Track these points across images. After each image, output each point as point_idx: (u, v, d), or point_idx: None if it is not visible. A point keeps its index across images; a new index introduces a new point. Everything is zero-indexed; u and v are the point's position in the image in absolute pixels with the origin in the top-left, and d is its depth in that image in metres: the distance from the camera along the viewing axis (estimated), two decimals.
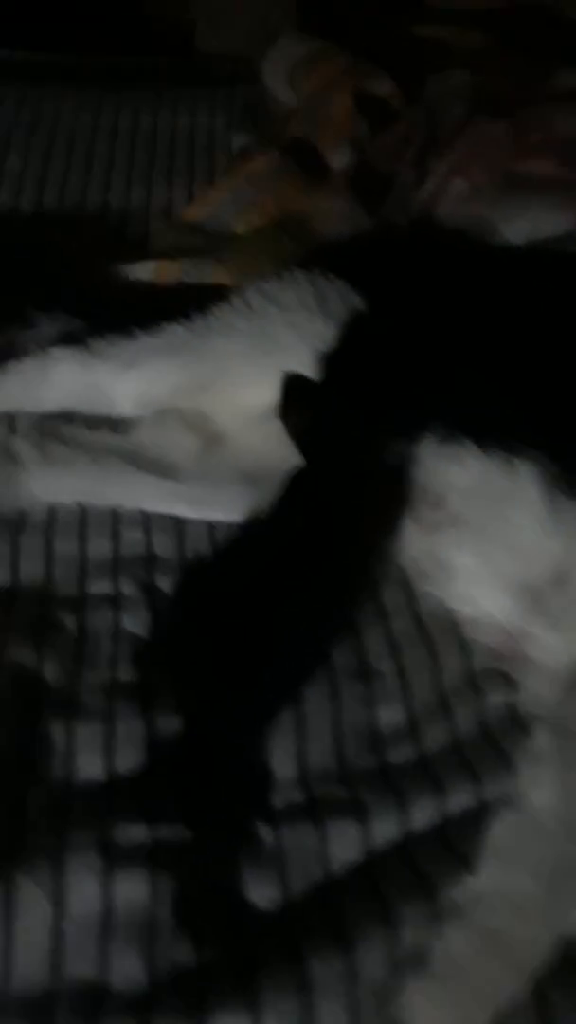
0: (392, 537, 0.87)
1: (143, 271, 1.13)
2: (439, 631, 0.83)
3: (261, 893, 0.64)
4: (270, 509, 0.84)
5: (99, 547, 0.89)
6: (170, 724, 0.73)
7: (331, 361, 0.91)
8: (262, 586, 0.78)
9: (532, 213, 1.18)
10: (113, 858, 0.64)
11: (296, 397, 0.90)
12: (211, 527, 0.92)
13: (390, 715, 0.76)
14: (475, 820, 0.68)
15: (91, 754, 0.71)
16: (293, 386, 0.90)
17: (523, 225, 1.18)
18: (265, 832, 0.67)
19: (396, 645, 0.82)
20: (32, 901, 0.61)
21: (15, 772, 0.69)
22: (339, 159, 1.27)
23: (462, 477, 0.83)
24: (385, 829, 0.67)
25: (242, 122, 1.47)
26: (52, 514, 0.92)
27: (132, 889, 0.62)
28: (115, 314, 1.02)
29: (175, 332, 0.96)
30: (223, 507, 0.91)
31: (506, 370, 0.88)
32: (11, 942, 0.59)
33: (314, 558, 0.81)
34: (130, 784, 0.69)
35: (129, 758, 0.71)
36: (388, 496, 0.87)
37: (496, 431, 0.83)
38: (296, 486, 0.86)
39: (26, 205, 1.32)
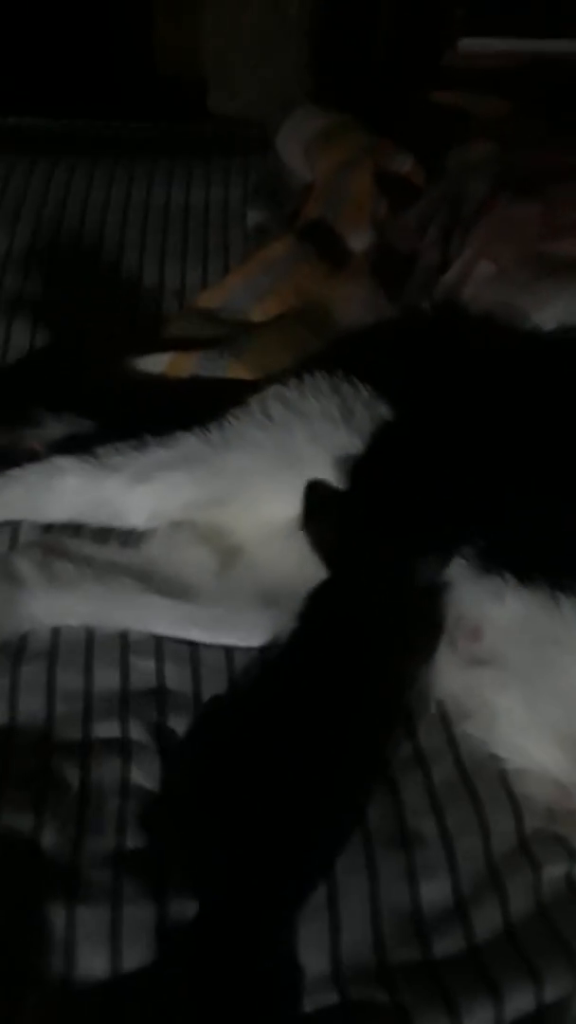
0: (425, 666, 0.79)
1: (156, 364, 1.07)
2: (485, 782, 0.75)
3: None
4: (291, 634, 0.77)
5: (106, 679, 0.81)
6: (184, 908, 0.64)
7: (357, 475, 0.84)
8: (285, 730, 0.71)
9: (565, 298, 1.12)
10: None
11: (319, 505, 0.84)
12: (228, 654, 0.84)
13: (435, 892, 0.67)
14: None
15: (94, 945, 0.63)
16: (316, 493, 0.84)
17: (556, 310, 1.11)
18: None
19: (438, 801, 0.74)
20: None
21: (8, 967, 0.61)
22: (359, 241, 1.22)
23: (501, 613, 0.76)
24: None
25: (256, 195, 1.42)
26: (55, 639, 0.84)
27: None
28: (126, 414, 0.95)
29: (190, 443, 0.89)
30: (242, 631, 0.84)
31: (550, 487, 0.81)
32: None
33: (342, 691, 0.73)
34: (137, 985, 0.61)
35: (137, 951, 0.62)
36: (420, 619, 0.80)
37: (539, 560, 0.76)
38: (318, 606, 0.78)
39: (31, 286, 1.27)
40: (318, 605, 0.78)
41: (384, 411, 0.87)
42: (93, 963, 0.62)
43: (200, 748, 0.74)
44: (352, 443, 0.85)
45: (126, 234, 1.39)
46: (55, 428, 0.96)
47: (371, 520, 0.83)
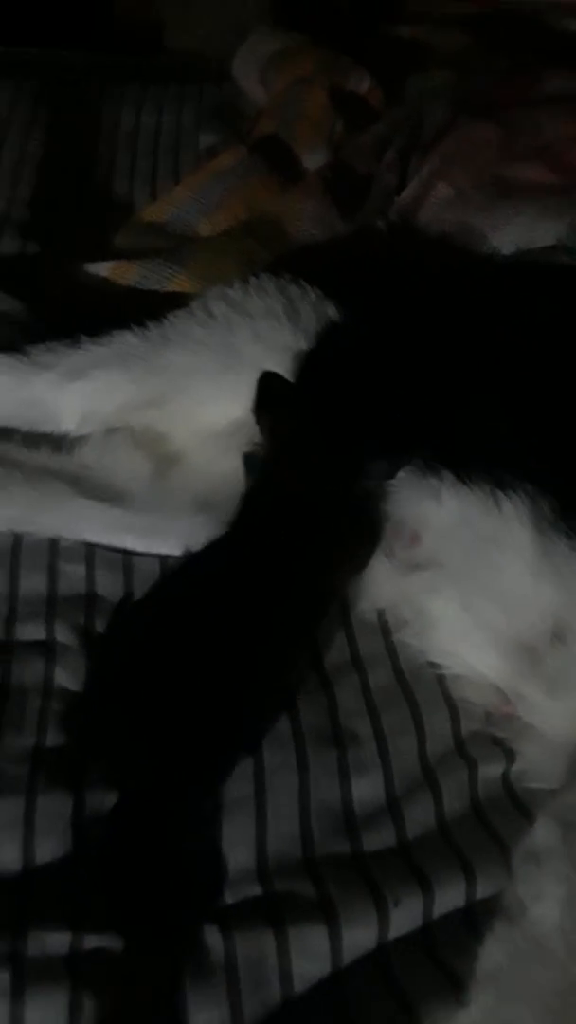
0: (359, 570, 0.76)
1: (98, 269, 1.02)
2: (422, 686, 0.72)
3: (207, 1017, 0.52)
4: (225, 529, 0.73)
5: (32, 583, 0.77)
6: (101, 800, 0.61)
7: (300, 377, 0.81)
8: (210, 625, 0.67)
9: (522, 220, 1.09)
10: (25, 974, 0.52)
11: (272, 396, 0.79)
12: (163, 562, 0.80)
13: (367, 790, 0.65)
14: (465, 925, 0.57)
15: (6, 836, 0.59)
16: (269, 385, 0.79)
17: (513, 233, 1.08)
18: (213, 939, 0.55)
19: (373, 703, 0.71)
20: None
21: None
22: (314, 159, 1.18)
23: (438, 514, 0.73)
24: (358, 936, 0.56)
25: (211, 121, 1.37)
26: None
27: (47, 1015, 0.50)
28: (62, 308, 0.91)
29: (126, 341, 0.84)
30: (177, 539, 0.80)
31: (491, 391, 0.79)
32: None
33: (271, 579, 0.70)
34: (50, 877, 0.57)
35: (51, 844, 0.59)
36: (355, 524, 0.77)
37: (478, 459, 0.74)
38: (251, 508, 0.75)
39: None
40: (249, 508, 0.75)
41: (332, 313, 0.84)
42: (4, 856, 0.58)
43: (120, 643, 0.70)
44: (297, 343, 0.82)
45: (74, 154, 1.33)
46: None
47: (317, 420, 0.79)
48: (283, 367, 0.81)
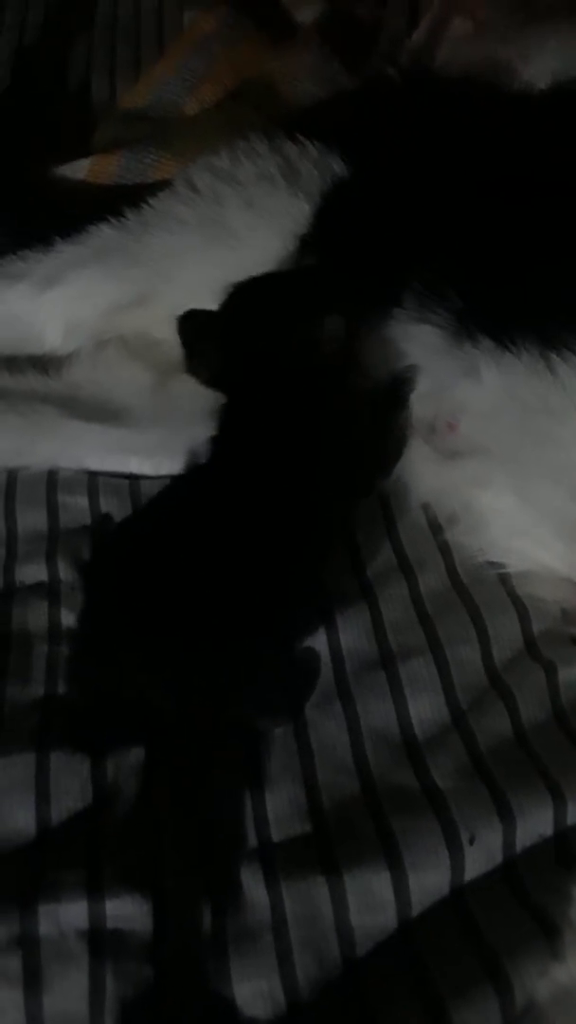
0: (378, 473, 0.66)
1: (76, 170, 0.91)
2: (482, 589, 0.62)
3: (253, 988, 0.45)
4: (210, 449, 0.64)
5: (31, 521, 0.69)
6: (123, 757, 0.53)
7: (312, 245, 0.69)
8: (223, 534, 0.58)
9: (556, 45, 0.93)
10: (39, 956, 0.45)
11: (199, 334, 0.68)
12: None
13: (425, 708, 0.55)
14: (556, 858, 0.47)
15: (19, 798, 0.52)
16: (192, 323, 0.67)
17: (547, 61, 0.92)
18: (257, 893, 0.47)
19: (425, 612, 0.61)
20: None
21: None
22: (308, 11, 1.02)
23: (477, 392, 0.62)
24: (428, 880, 0.47)
25: None
26: None
27: (67, 1002, 0.43)
28: (33, 222, 0.80)
29: (102, 234, 0.74)
30: (187, 455, 0.70)
31: (533, 240, 0.65)
32: None
33: (281, 489, 0.60)
34: (66, 840, 0.50)
35: (67, 802, 0.52)
36: (374, 409, 0.66)
37: (523, 318, 0.61)
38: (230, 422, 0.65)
39: None
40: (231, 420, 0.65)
41: (338, 168, 0.71)
42: (17, 818, 0.51)
43: (126, 557, 0.61)
44: (297, 206, 0.70)
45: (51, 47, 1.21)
46: None
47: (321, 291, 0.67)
48: (281, 234, 0.69)
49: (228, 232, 0.70)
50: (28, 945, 0.45)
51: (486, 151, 0.75)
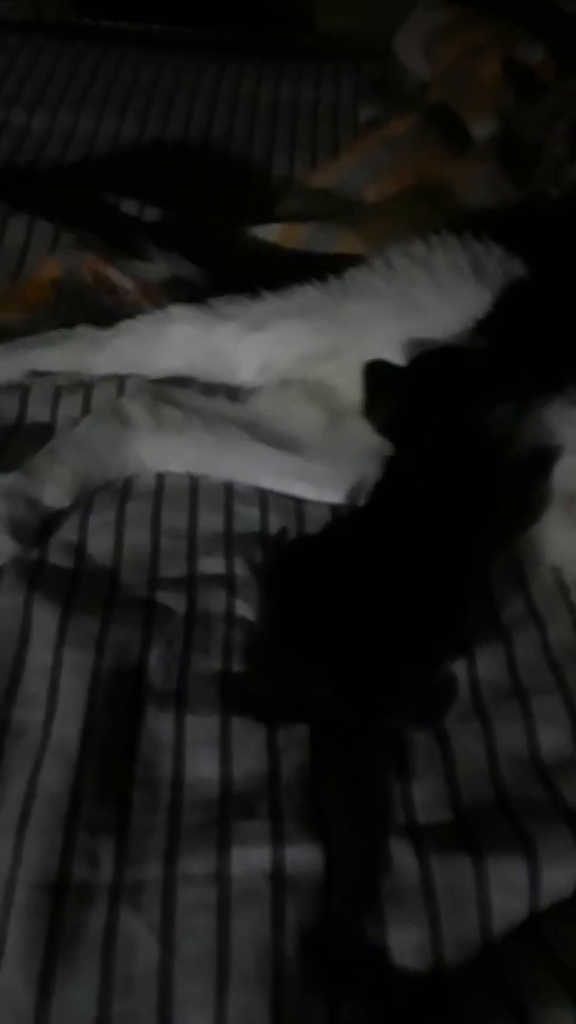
0: (517, 531, 0.75)
1: (267, 233, 1.04)
2: None
3: (407, 938, 0.52)
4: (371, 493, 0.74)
5: (210, 521, 0.79)
6: (292, 731, 0.62)
7: (487, 329, 0.80)
8: (386, 568, 0.68)
9: None
10: (229, 890, 0.53)
11: (382, 386, 0.78)
12: (333, 511, 0.81)
13: (555, 739, 0.63)
14: None
15: (205, 752, 0.61)
16: (377, 374, 0.78)
17: None
18: (408, 861, 0.55)
19: (554, 658, 0.70)
20: (138, 939, 0.51)
21: (119, 768, 0.59)
22: (483, 129, 1.17)
23: None
24: (558, 877, 0.55)
25: (370, 95, 1.37)
26: (160, 484, 0.82)
27: (253, 927, 0.51)
28: (236, 270, 0.93)
29: (307, 293, 0.86)
30: (347, 489, 0.81)
31: None
32: (110, 984, 0.49)
33: (437, 535, 0.70)
34: (248, 794, 0.58)
35: (247, 762, 0.60)
36: (519, 483, 0.75)
37: None
38: (396, 470, 0.75)
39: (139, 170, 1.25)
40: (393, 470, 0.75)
41: (519, 269, 0.83)
42: (202, 769, 0.60)
43: (299, 573, 0.71)
44: (482, 297, 0.81)
45: (235, 128, 1.37)
46: (161, 265, 0.94)
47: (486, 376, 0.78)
48: (463, 318, 0.81)
49: (417, 309, 0.81)
50: (222, 880, 0.53)
51: None
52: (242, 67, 1.48)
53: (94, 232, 1.03)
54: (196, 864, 0.53)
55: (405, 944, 0.52)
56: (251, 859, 0.54)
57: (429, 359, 0.78)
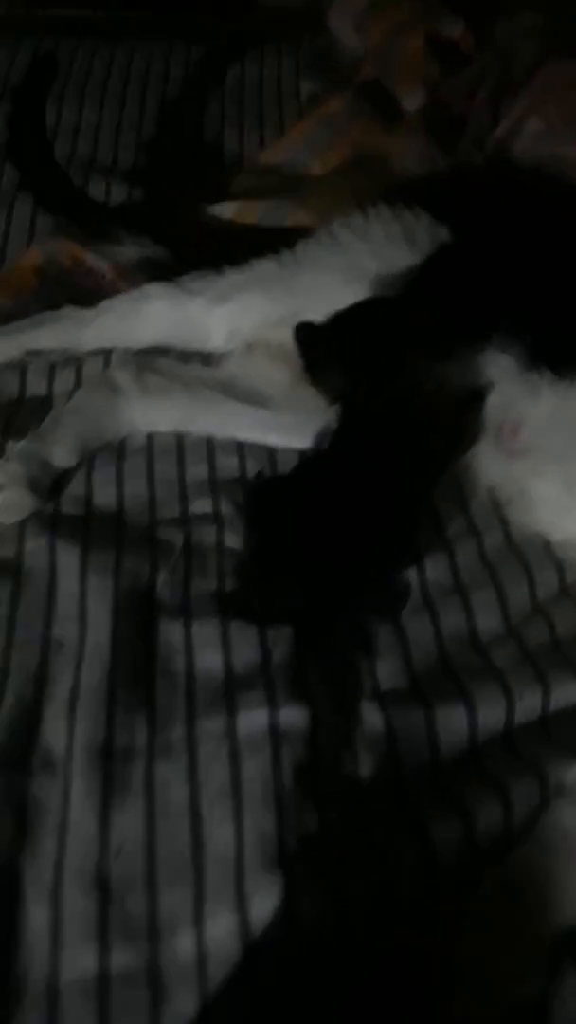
0: (454, 459, 0.90)
1: (224, 210, 1.16)
2: (532, 549, 0.86)
3: (375, 772, 0.68)
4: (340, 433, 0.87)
5: (197, 470, 0.93)
6: (280, 633, 0.77)
7: (414, 287, 0.93)
8: (348, 496, 0.83)
9: None
10: (237, 743, 0.68)
11: (313, 344, 0.89)
12: (301, 455, 0.95)
13: (490, 622, 0.79)
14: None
15: (210, 650, 0.75)
16: (305, 335, 0.89)
17: None
18: (375, 716, 0.71)
19: (489, 561, 0.85)
20: (171, 782, 0.66)
21: (143, 665, 0.74)
22: (412, 101, 1.28)
23: (538, 408, 0.86)
24: (491, 715, 0.71)
25: (309, 68, 1.48)
26: (151, 442, 0.96)
27: (257, 766, 0.67)
28: (200, 246, 1.05)
29: (264, 266, 0.99)
30: (312, 435, 0.94)
31: None
32: (153, 821, 0.64)
33: (393, 468, 0.84)
34: (248, 677, 0.73)
35: (246, 653, 0.75)
36: (457, 416, 0.90)
37: (572, 357, 0.86)
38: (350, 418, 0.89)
39: (103, 153, 1.35)
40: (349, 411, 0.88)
41: (445, 235, 0.96)
42: (209, 663, 0.74)
43: (277, 505, 0.85)
44: (414, 261, 0.94)
45: (185, 109, 1.46)
46: (132, 249, 1.06)
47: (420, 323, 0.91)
48: (398, 283, 0.94)
49: (363, 276, 0.95)
50: (232, 736, 0.68)
51: (554, 229, 1.00)
52: (188, 49, 1.58)
53: (67, 218, 1.15)
54: (211, 724, 0.69)
55: (375, 776, 0.68)
56: (253, 719, 0.69)
57: (351, 313, 0.91)
